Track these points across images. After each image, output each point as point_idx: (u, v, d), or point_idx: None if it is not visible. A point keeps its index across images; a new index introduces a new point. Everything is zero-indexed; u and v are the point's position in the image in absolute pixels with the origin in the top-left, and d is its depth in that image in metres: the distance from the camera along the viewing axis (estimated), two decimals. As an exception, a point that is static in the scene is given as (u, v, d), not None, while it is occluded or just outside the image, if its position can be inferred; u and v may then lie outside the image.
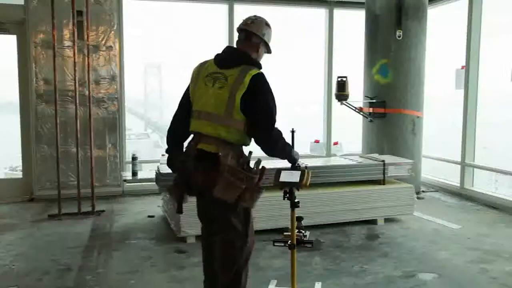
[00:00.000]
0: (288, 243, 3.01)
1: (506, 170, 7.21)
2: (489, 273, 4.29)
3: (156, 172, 5.56)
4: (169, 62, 9.20)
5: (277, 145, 2.88)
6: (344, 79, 6.95)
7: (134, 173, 6.48)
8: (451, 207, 6.83)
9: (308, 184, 2.89)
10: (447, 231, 5.64)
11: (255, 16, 3.06)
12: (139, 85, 10.27)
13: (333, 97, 7.33)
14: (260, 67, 2.92)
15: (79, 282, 4.11)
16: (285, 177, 2.90)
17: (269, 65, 3.21)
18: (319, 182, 5.50)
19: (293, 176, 2.89)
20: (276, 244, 3.06)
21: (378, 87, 7.32)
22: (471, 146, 7.37)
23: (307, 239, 3.06)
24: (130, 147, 7.68)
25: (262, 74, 2.84)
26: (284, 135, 2.90)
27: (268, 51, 3.09)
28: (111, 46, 7.15)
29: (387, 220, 5.84)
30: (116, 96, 7.24)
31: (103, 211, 6.33)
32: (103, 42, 7.11)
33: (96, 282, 4.11)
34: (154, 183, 5.68)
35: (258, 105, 2.77)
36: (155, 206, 6.57)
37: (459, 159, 7.48)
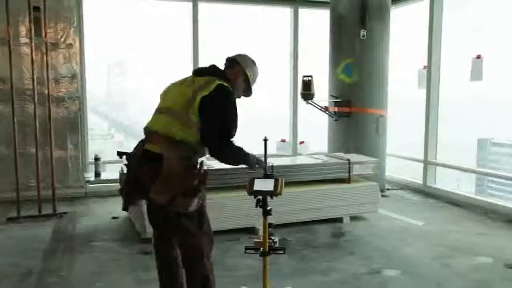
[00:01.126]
0: (261, 250, 2.97)
1: (467, 167, 7.40)
2: (452, 269, 4.37)
3: (120, 173, 5.45)
4: (133, 60, 9.06)
5: (229, 159, 2.94)
6: (310, 78, 6.98)
7: (97, 174, 6.35)
8: (415, 204, 6.95)
9: (282, 192, 2.88)
10: (411, 228, 5.74)
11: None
12: (103, 83, 10.07)
13: (299, 96, 7.36)
14: (231, 87, 2.92)
15: (42, 286, 3.98)
16: (259, 185, 2.87)
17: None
18: (285, 181, 5.48)
19: (267, 185, 2.87)
20: (248, 251, 3.01)
21: (343, 86, 7.37)
22: (433, 144, 7.52)
23: (277, 245, 3.03)
24: (93, 148, 7.51)
25: (229, 88, 2.86)
26: (244, 148, 2.90)
27: (247, 89, 3.13)
28: (71, 44, 6.95)
29: (353, 218, 5.89)
30: (77, 95, 7.05)
31: (65, 213, 6.14)
32: (63, 39, 6.90)
33: (60, 286, 3.99)
34: (118, 184, 5.57)
35: (217, 113, 2.76)
36: (119, 207, 6.41)
37: (422, 157, 7.63)
